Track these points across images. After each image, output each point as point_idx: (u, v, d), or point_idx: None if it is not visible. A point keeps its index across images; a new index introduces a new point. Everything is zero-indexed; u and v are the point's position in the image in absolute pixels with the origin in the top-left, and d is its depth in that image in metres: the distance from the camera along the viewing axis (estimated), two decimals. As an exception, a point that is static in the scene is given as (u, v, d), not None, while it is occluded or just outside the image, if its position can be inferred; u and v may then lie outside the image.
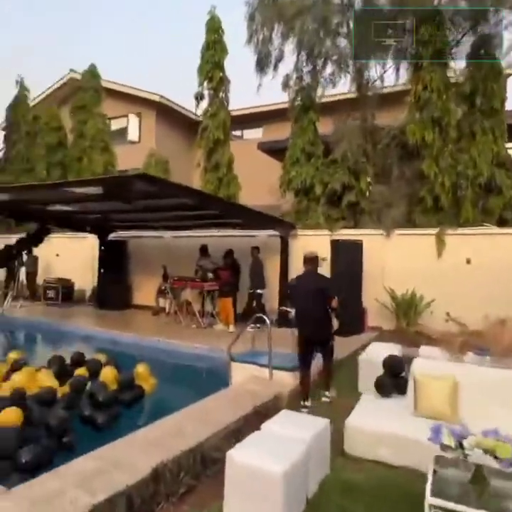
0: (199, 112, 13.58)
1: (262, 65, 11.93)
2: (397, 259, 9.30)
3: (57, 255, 13.95)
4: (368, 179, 10.63)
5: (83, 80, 16.34)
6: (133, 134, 18.77)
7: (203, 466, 3.37)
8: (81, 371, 5.06)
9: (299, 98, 11.66)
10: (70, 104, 16.94)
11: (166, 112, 18.30)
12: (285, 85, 11.74)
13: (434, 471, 2.79)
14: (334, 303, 4.91)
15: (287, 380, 5.38)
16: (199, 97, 12.96)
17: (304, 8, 10.29)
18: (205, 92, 12.93)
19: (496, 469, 2.61)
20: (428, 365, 4.17)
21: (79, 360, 5.42)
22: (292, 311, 6.43)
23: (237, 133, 17.20)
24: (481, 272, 8.50)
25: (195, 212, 8.82)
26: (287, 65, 11.95)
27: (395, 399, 4.33)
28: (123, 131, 18.71)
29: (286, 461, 2.77)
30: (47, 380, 4.70)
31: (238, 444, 3.03)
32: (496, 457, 2.62)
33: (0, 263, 11.99)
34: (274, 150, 14.02)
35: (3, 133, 18.15)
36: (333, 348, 5.35)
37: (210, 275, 9.67)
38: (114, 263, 12.15)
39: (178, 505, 3.05)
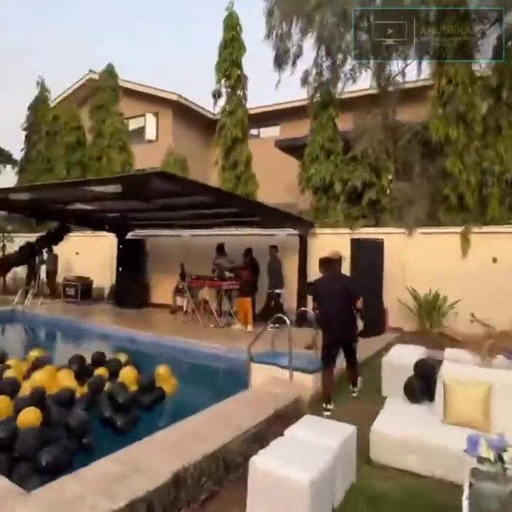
0: (217, 110, 13.53)
1: (280, 61, 11.76)
2: (420, 259, 9.05)
3: (77, 253, 14.11)
4: (390, 176, 10.37)
5: (101, 80, 16.49)
6: (150, 133, 18.84)
7: (225, 471, 3.27)
8: (101, 371, 5.03)
9: (319, 94, 11.46)
10: (88, 104, 17.12)
11: (183, 111, 18.31)
12: (304, 81, 11.54)
13: (471, 484, 2.63)
14: (359, 304, 4.87)
15: (308, 383, 5.25)
16: (217, 95, 12.89)
17: (324, 2, 10.08)
18: (223, 90, 12.86)
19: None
20: (458, 369, 3.98)
21: (99, 360, 5.40)
22: (310, 311, 6.33)
23: (254, 132, 17.07)
24: (508, 271, 8.19)
25: (214, 210, 8.75)
26: (305, 62, 11.79)
27: (422, 404, 4.15)
28: (140, 131, 18.80)
29: (314, 469, 2.65)
30: (67, 379, 4.69)
31: (262, 450, 2.92)
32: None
33: (21, 260, 12.16)
34: (292, 147, 13.85)
35: (24, 133, 18.46)
36: (356, 349, 5.27)
37: (228, 274, 9.60)
38: (132, 261, 12.20)
39: (199, 512, 2.96)
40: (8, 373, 4.83)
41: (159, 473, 3.05)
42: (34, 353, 5.58)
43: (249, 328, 8.70)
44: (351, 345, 5.16)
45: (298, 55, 11.79)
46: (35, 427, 3.49)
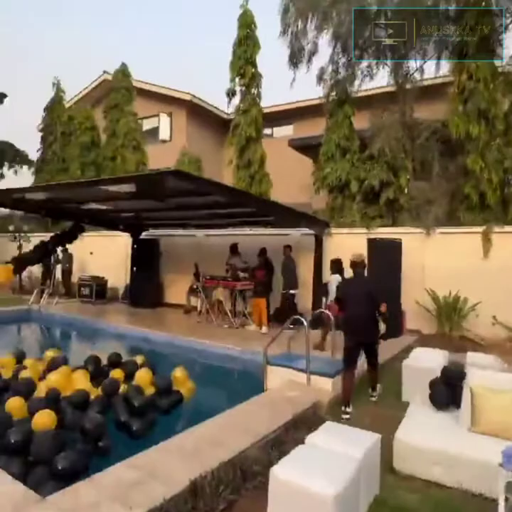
0: (231, 110, 13.43)
1: (295, 58, 11.60)
2: (439, 259, 8.81)
3: (91, 253, 14.17)
4: (407, 175, 10.14)
5: (115, 80, 16.55)
6: (164, 133, 18.84)
7: (242, 479, 3.16)
8: (117, 373, 4.97)
9: (334, 92, 11.28)
10: (103, 104, 17.21)
11: (196, 111, 18.29)
12: (320, 78, 11.34)
13: (506, 499, 2.49)
14: (383, 307, 4.79)
15: (325, 386, 5.13)
16: (231, 94, 12.78)
17: (340, -2, 9.90)
18: (237, 89, 12.75)
19: None
20: (487, 375, 3.80)
21: (116, 361, 5.34)
22: (328, 312, 6.20)
23: (267, 131, 16.95)
24: (532, 272, 7.93)
25: (228, 210, 8.66)
26: (321, 59, 11.61)
27: (447, 412, 3.99)
28: (154, 131, 18.83)
29: (338, 481, 2.53)
30: (82, 380, 4.64)
31: (282, 459, 2.81)
32: None
33: (36, 259, 12.26)
34: (306, 147, 13.69)
35: (40, 134, 18.66)
36: (377, 352, 5.18)
37: (242, 274, 9.51)
38: (146, 261, 12.20)
39: (217, 523, 2.87)
40: (24, 374, 4.81)
41: (176, 480, 2.96)
42: (50, 353, 5.57)
43: (264, 329, 8.59)
44: (373, 347, 5.07)
45: (313, 52, 11.60)
46: (50, 430, 3.44)
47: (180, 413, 4.74)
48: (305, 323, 5.39)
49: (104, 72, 18.77)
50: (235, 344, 7.43)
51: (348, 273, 5.79)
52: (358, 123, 11.41)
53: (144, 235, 12.73)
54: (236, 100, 12.88)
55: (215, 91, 36.06)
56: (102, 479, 3.00)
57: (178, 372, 5.06)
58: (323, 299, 8.14)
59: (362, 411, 4.81)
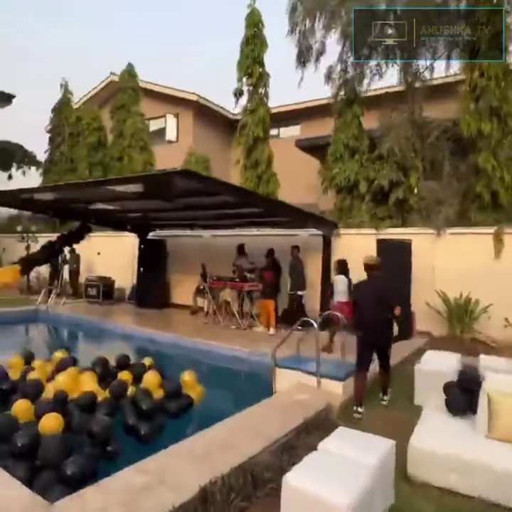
0: (238, 110, 13.36)
1: (303, 58, 11.53)
2: (450, 260, 8.67)
3: (99, 254, 14.18)
4: (418, 175, 10.00)
5: (121, 80, 16.57)
6: (171, 134, 18.84)
7: (253, 486, 3.08)
8: (125, 375, 4.91)
9: (343, 91, 11.17)
10: (109, 105, 17.23)
11: (203, 111, 18.26)
12: (328, 77, 11.26)
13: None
14: (397, 311, 4.74)
15: (336, 390, 5.03)
16: (238, 94, 12.70)
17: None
18: (245, 88, 12.67)
19: None
20: (504, 380, 3.69)
21: (124, 363, 5.29)
22: (337, 314, 6.12)
23: (274, 132, 16.88)
24: (545, 274, 7.77)
25: (235, 210, 8.60)
26: (329, 59, 11.52)
27: (463, 417, 3.88)
28: (161, 132, 18.82)
29: (352, 489, 2.44)
30: (90, 382, 4.59)
31: (295, 465, 2.73)
32: None
33: (44, 259, 12.26)
34: (313, 147, 13.59)
35: (48, 135, 18.74)
36: (390, 355, 5.10)
37: (249, 275, 9.43)
38: (153, 262, 12.17)
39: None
40: (32, 375, 4.78)
41: (186, 486, 2.89)
42: (59, 354, 5.53)
43: (272, 330, 8.50)
44: (386, 350, 5.00)
45: (321, 51, 11.53)
46: (58, 433, 3.38)
47: (189, 416, 4.66)
48: (315, 324, 5.30)
49: (111, 73, 18.81)
50: (243, 345, 7.35)
51: (358, 275, 5.69)
52: (367, 123, 11.30)
53: (150, 235, 12.71)
54: (243, 100, 12.82)
55: (216, 91, 36.08)
56: (109, 484, 2.93)
57: (187, 376, 4.97)
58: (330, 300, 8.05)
59: (373, 414, 4.73)
